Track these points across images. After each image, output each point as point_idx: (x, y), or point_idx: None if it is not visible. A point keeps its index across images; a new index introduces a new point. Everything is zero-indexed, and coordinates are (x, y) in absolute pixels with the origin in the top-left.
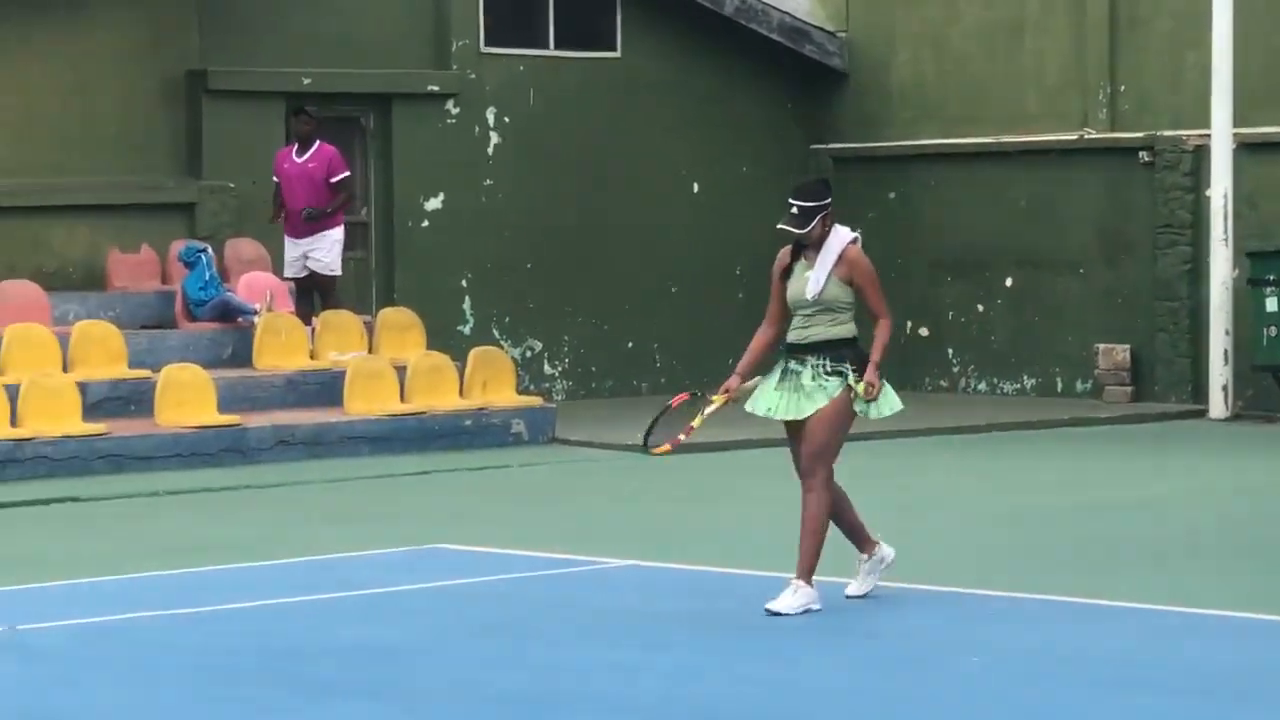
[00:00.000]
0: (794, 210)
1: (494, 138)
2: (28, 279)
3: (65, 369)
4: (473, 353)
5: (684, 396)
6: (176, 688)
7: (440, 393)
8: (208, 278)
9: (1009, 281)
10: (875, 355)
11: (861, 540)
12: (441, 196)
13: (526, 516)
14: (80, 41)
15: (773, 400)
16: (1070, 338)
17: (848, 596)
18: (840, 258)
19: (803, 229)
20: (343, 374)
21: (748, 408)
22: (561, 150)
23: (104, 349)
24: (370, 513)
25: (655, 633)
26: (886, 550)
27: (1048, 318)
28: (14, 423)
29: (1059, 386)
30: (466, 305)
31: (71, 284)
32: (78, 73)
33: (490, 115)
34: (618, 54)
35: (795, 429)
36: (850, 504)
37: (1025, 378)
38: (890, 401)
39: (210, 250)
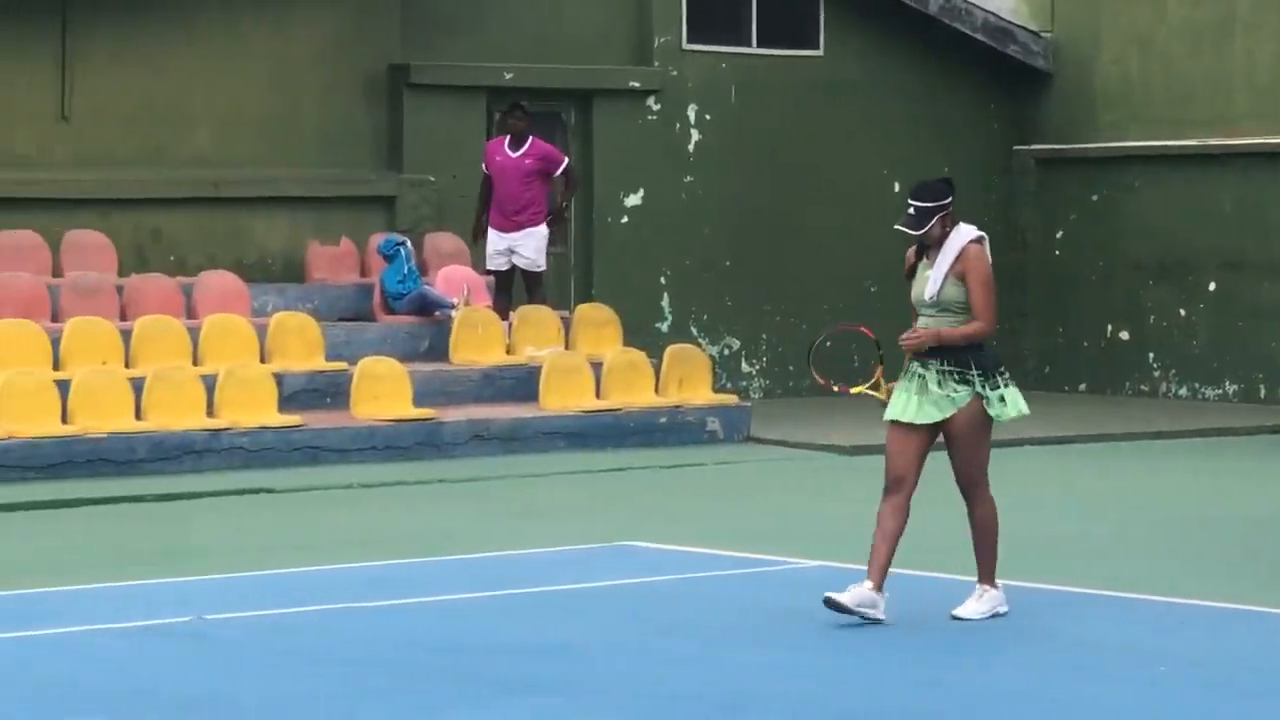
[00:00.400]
0: (911, 211)
1: (694, 135)
2: (228, 270)
3: (262, 360)
4: (669, 350)
5: (867, 332)
6: (355, 681)
7: (636, 389)
8: (406, 271)
9: (1212, 285)
10: (947, 330)
11: (879, 571)
12: (641, 193)
13: (719, 515)
14: (285, 35)
15: (902, 405)
16: (1274, 343)
17: (953, 616)
18: (959, 256)
19: (918, 230)
20: (539, 369)
21: (885, 417)
22: (762, 148)
23: (301, 340)
24: (563, 509)
25: (841, 635)
26: (883, 609)
27: (1251, 322)
28: (210, 412)
29: (1261, 392)
30: (665, 302)
31: (271, 275)
32: (282, 66)
33: (691, 112)
34: (820, 52)
35: (907, 432)
36: (899, 536)
37: (1227, 383)
38: (1016, 404)
39: (409, 243)
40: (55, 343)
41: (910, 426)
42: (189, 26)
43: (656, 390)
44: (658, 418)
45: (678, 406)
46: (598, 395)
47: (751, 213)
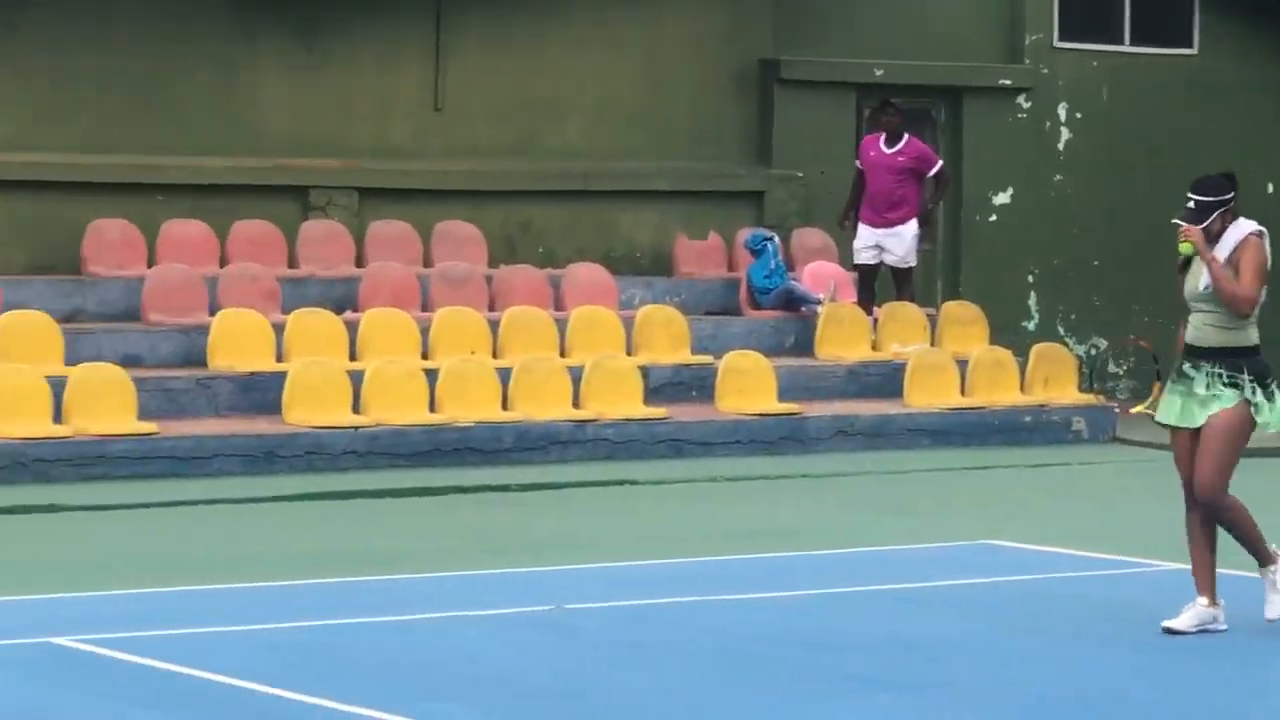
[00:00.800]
0: (1190, 204)
1: (1064, 133)
2: (596, 262)
3: (629, 352)
4: (1035, 349)
5: (1145, 345)
6: (710, 673)
7: (1001, 388)
8: (773, 266)
9: None
10: (1216, 262)
11: (1207, 584)
12: (1010, 191)
13: (1081, 516)
14: (657, 28)
15: (1167, 407)
16: None
17: (1269, 620)
18: (1237, 246)
19: (1197, 224)
20: (904, 366)
21: (1156, 418)
22: (1132, 148)
23: (667, 334)
24: (925, 506)
25: (1198, 640)
26: (1223, 619)
27: None
28: (576, 403)
29: None
30: (1032, 301)
31: (639, 268)
32: (653, 59)
33: (1061, 111)
34: (1194, 51)
35: (1183, 437)
36: (1214, 545)
37: None
38: None
39: (777, 238)
40: (424, 332)
41: (1186, 430)
42: (561, 18)
43: (1022, 389)
44: (1022, 417)
45: (1043, 406)
46: (962, 393)
47: (1121, 213)
